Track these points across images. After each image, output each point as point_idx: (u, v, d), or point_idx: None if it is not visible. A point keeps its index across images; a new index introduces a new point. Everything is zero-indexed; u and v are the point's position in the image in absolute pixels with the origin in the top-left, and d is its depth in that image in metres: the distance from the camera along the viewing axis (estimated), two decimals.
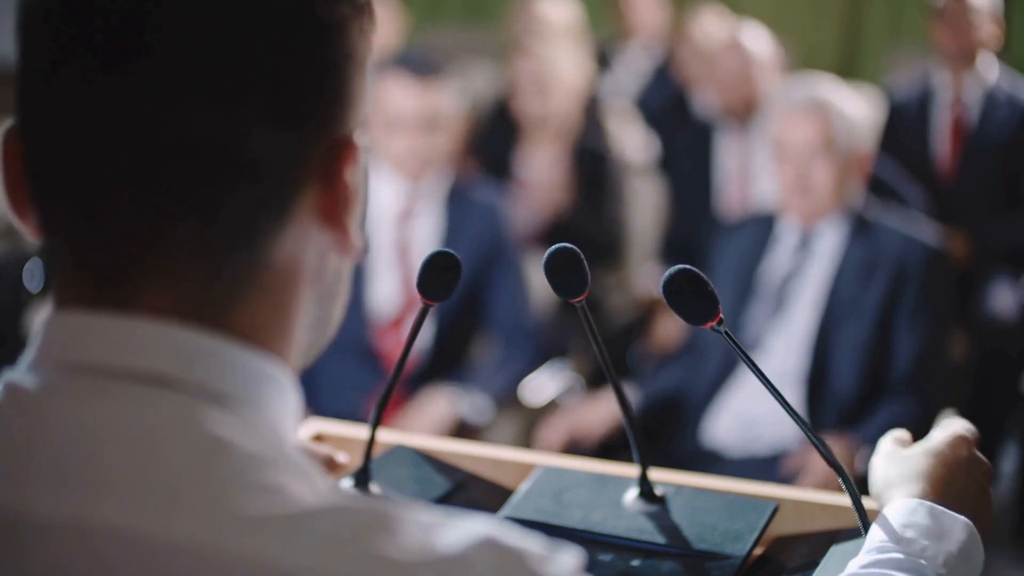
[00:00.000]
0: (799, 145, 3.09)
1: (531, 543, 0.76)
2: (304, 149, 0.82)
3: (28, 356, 0.82)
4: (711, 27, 5.14)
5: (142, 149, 0.78)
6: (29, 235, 0.86)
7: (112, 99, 0.78)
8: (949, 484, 1.21)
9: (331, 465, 1.47)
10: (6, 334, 3.74)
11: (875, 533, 1.17)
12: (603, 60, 5.65)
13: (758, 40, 4.47)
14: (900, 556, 1.13)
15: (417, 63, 3.40)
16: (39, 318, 0.85)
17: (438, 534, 0.75)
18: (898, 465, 1.24)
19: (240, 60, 0.78)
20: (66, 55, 0.79)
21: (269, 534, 0.73)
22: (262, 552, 0.72)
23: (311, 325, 0.88)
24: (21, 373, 0.81)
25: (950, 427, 1.27)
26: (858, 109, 3.18)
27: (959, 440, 1.25)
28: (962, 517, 1.17)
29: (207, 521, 0.73)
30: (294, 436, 0.85)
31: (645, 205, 4.51)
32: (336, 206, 0.84)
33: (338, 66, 0.83)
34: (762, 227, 3.23)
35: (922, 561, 1.12)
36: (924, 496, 1.19)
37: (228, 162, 0.79)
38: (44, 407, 0.79)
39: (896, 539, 1.14)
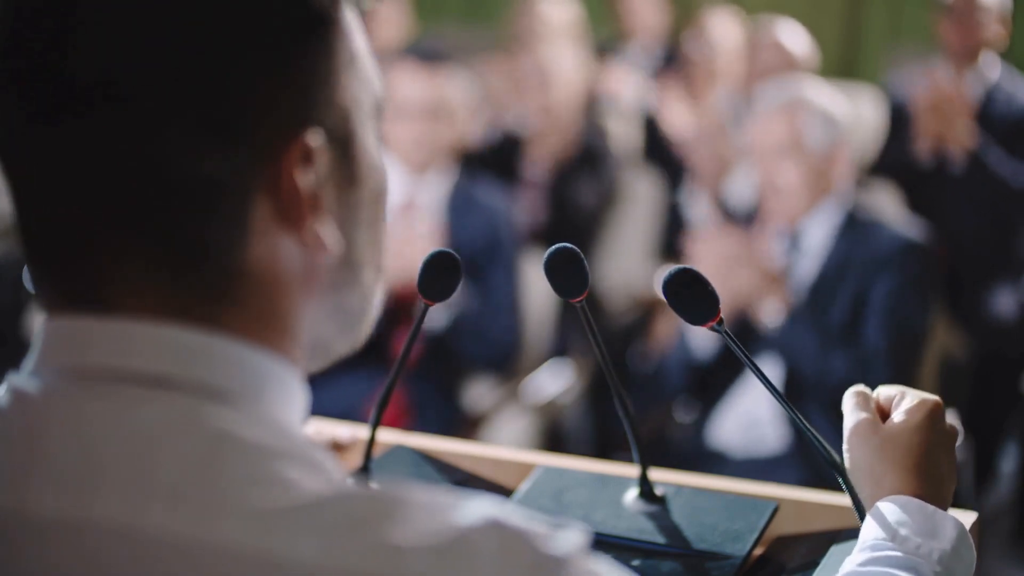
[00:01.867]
0: (766, 147, 3.10)
1: (535, 523, 0.77)
2: (242, 162, 0.81)
3: (29, 361, 0.83)
4: (725, 25, 5.14)
5: (86, 182, 0.80)
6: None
7: (52, 141, 0.80)
8: (932, 470, 1.19)
9: (335, 447, 1.47)
10: (6, 334, 3.74)
11: (869, 530, 1.16)
12: (603, 60, 5.65)
13: (796, 38, 4.54)
14: (897, 554, 1.12)
15: (423, 51, 3.40)
16: (38, 321, 0.86)
17: (443, 517, 0.75)
18: (878, 448, 1.20)
19: (166, 82, 0.78)
20: (9, 95, 0.80)
21: (272, 527, 0.73)
22: (264, 546, 0.73)
23: (326, 317, 0.88)
24: (24, 377, 0.82)
25: (919, 396, 1.23)
26: (835, 105, 3.18)
27: (935, 412, 1.21)
28: (952, 515, 1.17)
29: (210, 516, 0.74)
30: (301, 430, 0.85)
31: (643, 202, 4.51)
32: (290, 211, 0.83)
33: (270, 74, 0.81)
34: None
35: (919, 559, 1.12)
36: (911, 487, 1.17)
37: (170, 186, 0.79)
38: (45, 411, 0.79)
39: (891, 536, 1.14)
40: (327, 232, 0.85)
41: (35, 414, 0.79)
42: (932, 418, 1.21)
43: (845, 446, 1.23)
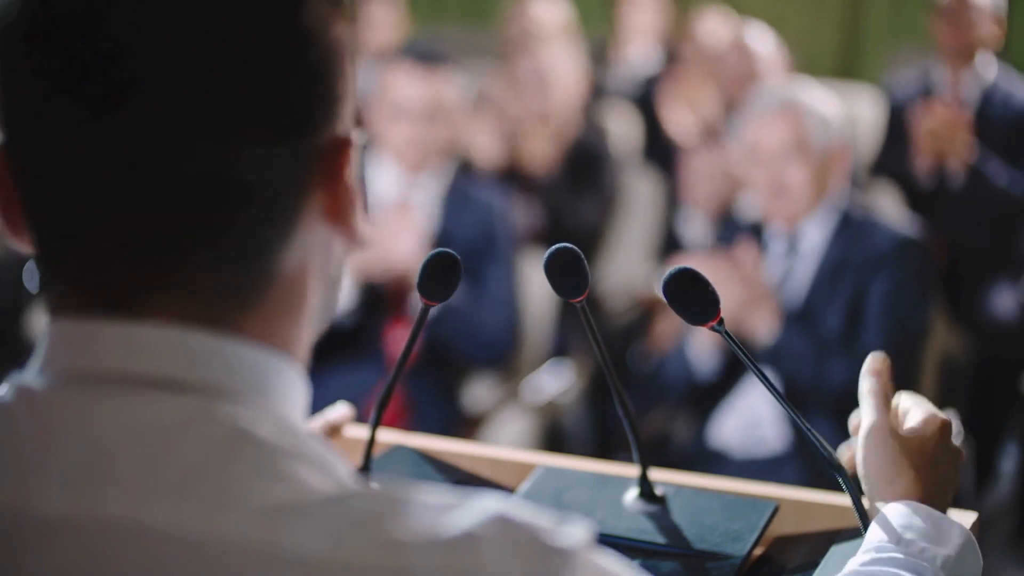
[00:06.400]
0: (772, 148, 3.09)
1: (540, 517, 0.77)
2: (302, 159, 0.82)
3: (35, 361, 0.82)
4: (715, 27, 5.13)
5: (143, 186, 0.78)
6: (23, 249, 0.85)
7: (105, 141, 0.78)
8: (939, 481, 1.21)
9: (334, 431, 1.47)
10: (6, 334, 3.74)
11: (874, 533, 1.17)
12: (602, 59, 5.64)
13: (762, 39, 4.49)
14: (900, 556, 1.13)
15: (422, 52, 3.39)
16: (41, 322, 0.84)
17: (448, 515, 0.75)
18: (896, 452, 1.21)
19: (224, 85, 0.78)
20: (53, 94, 0.78)
21: (280, 522, 0.74)
22: (272, 540, 0.73)
23: (317, 311, 0.88)
24: (30, 377, 0.82)
25: (931, 411, 1.25)
26: (831, 107, 3.17)
27: (945, 429, 1.24)
28: (959, 522, 1.18)
29: (218, 512, 0.74)
30: (305, 426, 0.85)
31: (643, 203, 4.51)
32: (341, 205, 0.84)
33: (324, 69, 0.82)
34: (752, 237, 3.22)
35: (922, 562, 1.13)
36: (919, 494, 1.19)
37: (229, 189, 0.79)
38: (52, 411, 0.79)
39: (896, 540, 1.14)
40: (360, 225, 0.86)
41: (41, 413, 0.79)
42: (943, 433, 1.24)
43: (861, 443, 1.23)
